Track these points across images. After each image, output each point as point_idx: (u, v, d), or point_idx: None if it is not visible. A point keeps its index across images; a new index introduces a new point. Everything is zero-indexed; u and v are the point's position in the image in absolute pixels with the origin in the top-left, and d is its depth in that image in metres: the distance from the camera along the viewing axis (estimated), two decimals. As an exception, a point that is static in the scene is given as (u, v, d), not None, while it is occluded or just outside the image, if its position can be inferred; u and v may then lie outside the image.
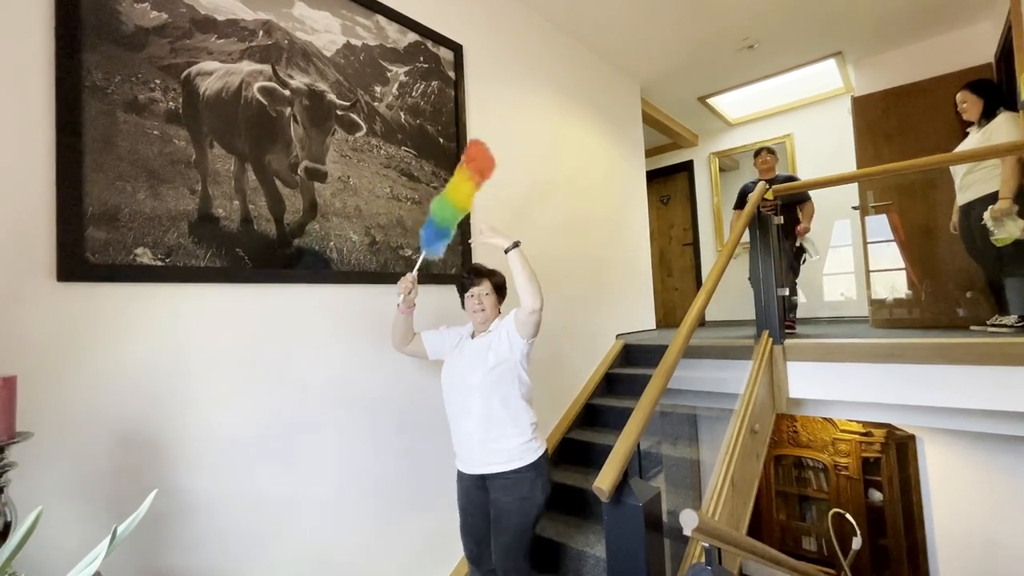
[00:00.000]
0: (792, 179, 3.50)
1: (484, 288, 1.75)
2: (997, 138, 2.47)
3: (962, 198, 2.67)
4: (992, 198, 2.45)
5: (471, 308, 1.76)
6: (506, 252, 1.62)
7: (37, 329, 1.22)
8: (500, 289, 1.80)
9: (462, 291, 1.80)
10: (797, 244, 3.33)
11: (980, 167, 2.54)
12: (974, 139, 2.64)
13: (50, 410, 1.22)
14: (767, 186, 2.76)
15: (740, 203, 3.64)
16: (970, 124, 2.71)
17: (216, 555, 1.48)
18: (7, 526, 0.92)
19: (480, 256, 2.41)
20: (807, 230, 3.32)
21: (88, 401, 1.28)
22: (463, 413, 1.69)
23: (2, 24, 1.22)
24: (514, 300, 1.76)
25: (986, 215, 2.40)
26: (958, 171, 2.69)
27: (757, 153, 3.59)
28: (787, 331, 3.07)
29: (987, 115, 2.58)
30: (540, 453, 1.67)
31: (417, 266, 1.72)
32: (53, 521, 1.18)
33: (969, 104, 2.66)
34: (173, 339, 1.44)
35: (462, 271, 1.84)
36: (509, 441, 1.63)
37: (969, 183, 2.60)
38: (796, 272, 3.45)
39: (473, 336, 1.81)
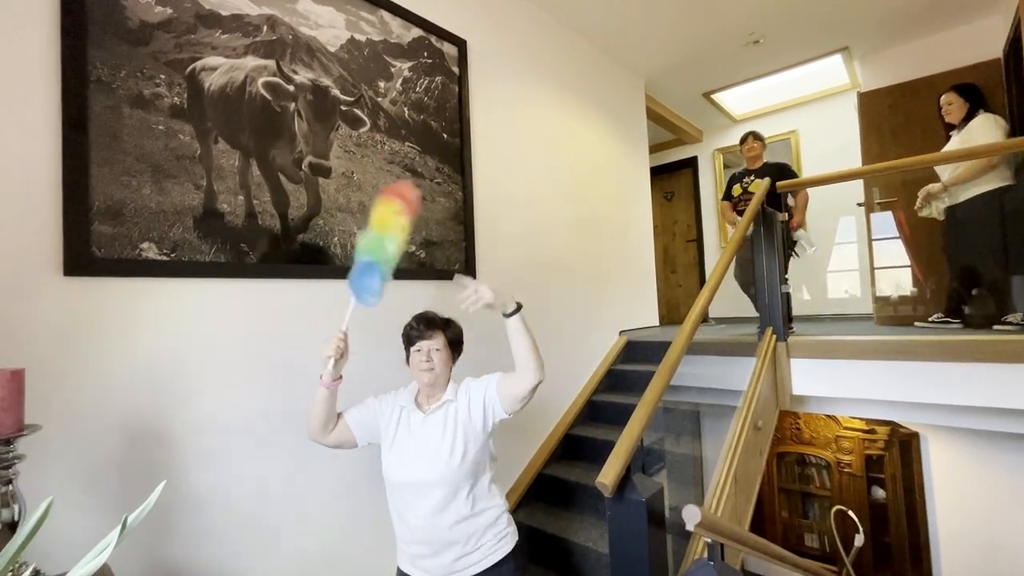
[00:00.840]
0: (783, 166, 3.37)
1: (436, 342, 1.36)
2: (976, 138, 2.54)
3: (951, 200, 2.72)
4: (976, 201, 2.54)
5: (417, 365, 1.36)
6: (506, 317, 1.31)
7: (44, 323, 1.23)
8: (455, 344, 1.44)
9: (407, 344, 1.41)
10: (793, 238, 3.20)
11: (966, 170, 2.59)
12: (956, 141, 2.69)
13: (58, 403, 1.23)
14: (770, 182, 2.75)
15: (728, 193, 3.58)
16: (951, 127, 2.77)
17: (222, 547, 1.49)
18: (17, 517, 0.93)
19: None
20: (800, 224, 3.19)
21: (95, 394, 1.29)
22: (418, 511, 1.30)
23: (9, 19, 1.22)
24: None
25: (922, 191, 2.63)
26: (943, 173, 2.75)
27: (743, 140, 3.45)
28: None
29: (968, 119, 2.66)
30: (515, 540, 1.40)
31: (347, 320, 1.30)
32: (61, 512, 1.19)
33: (955, 106, 2.72)
34: (178, 333, 1.45)
35: (410, 321, 1.41)
36: (481, 538, 1.32)
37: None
38: (784, 268, 3.34)
39: (419, 403, 1.41)
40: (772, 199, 3.00)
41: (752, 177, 3.34)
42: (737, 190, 3.43)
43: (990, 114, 2.60)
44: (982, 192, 2.53)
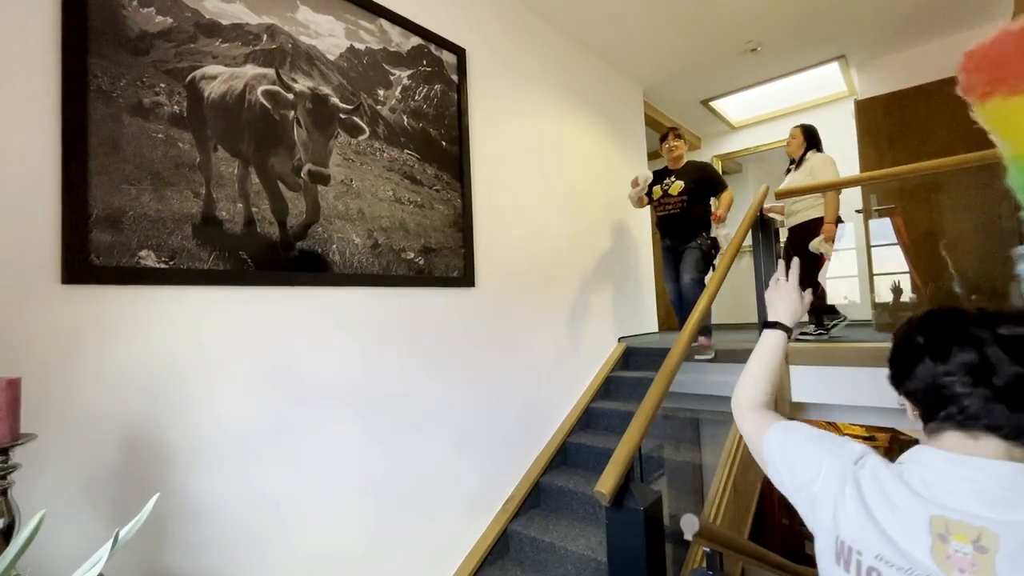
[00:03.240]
0: (704, 167, 3.23)
1: None
2: (818, 173, 3.00)
3: (790, 222, 3.15)
4: (815, 223, 2.97)
5: None
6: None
7: (42, 331, 1.23)
8: None
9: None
10: (711, 235, 3.10)
11: (803, 199, 3.05)
12: (798, 174, 3.12)
13: (54, 412, 1.23)
14: (767, 188, 2.76)
15: (648, 193, 3.34)
16: (792, 160, 3.23)
17: (220, 557, 1.49)
18: (11, 528, 0.93)
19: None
20: (723, 219, 3.10)
21: (92, 403, 1.29)
22: None
23: (10, 28, 1.23)
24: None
25: (815, 241, 2.93)
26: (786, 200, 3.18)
27: (664, 138, 3.25)
28: (700, 346, 2.85)
29: (804, 155, 3.13)
30: None
31: None
32: (56, 523, 1.19)
33: (797, 142, 3.18)
34: (176, 341, 1.45)
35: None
36: None
37: (796, 210, 3.11)
38: (707, 270, 3.04)
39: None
40: (701, 194, 3.02)
41: (673, 178, 3.20)
42: (657, 192, 3.23)
43: (823, 153, 3.11)
44: (810, 219, 3.02)
